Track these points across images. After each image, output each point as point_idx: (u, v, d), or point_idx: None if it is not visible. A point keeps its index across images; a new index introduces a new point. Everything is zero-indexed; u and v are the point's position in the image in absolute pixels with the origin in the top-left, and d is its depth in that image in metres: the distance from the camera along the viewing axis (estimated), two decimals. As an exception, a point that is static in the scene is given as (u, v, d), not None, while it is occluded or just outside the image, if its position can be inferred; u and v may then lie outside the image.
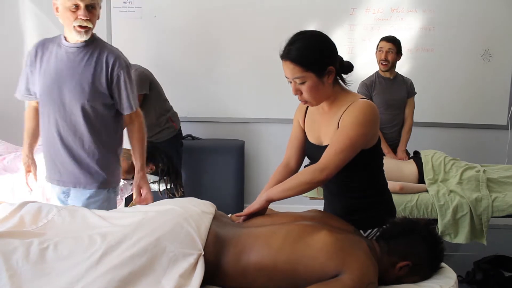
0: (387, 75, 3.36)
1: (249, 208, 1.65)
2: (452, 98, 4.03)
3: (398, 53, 3.30)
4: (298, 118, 1.83)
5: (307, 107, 1.80)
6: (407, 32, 3.89)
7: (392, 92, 3.36)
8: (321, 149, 1.68)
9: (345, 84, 1.71)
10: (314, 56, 1.57)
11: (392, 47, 3.26)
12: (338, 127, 1.63)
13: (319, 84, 1.59)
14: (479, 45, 3.94)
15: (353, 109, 1.61)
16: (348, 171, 1.63)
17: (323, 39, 1.62)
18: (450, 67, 3.97)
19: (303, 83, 1.58)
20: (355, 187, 1.73)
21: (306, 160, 1.90)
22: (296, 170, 1.85)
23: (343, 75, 1.70)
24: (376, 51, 3.34)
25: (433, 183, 2.89)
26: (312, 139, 1.77)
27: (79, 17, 2.00)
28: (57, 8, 2.04)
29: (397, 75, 3.42)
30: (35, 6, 4.00)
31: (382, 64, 3.31)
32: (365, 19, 3.93)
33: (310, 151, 1.79)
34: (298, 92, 1.61)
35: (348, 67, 1.68)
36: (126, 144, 3.28)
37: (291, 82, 1.61)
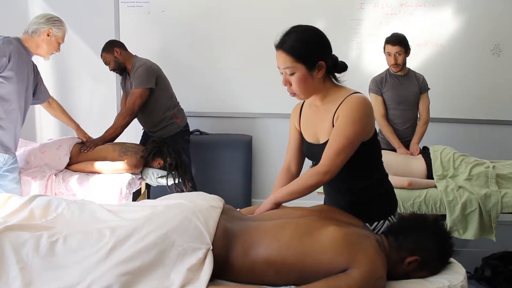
0: (399, 72, 3.33)
1: (260, 210, 1.69)
2: (462, 93, 3.99)
3: (406, 51, 3.25)
4: (294, 121, 1.86)
5: (301, 108, 1.84)
6: (416, 27, 3.86)
7: (403, 88, 3.33)
8: (318, 147, 1.71)
9: (337, 82, 1.72)
10: (306, 49, 1.60)
11: (399, 49, 3.20)
12: (332, 124, 1.65)
13: (308, 77, 1.62)
14: (489, 40, 3.90)
15: (347, 106, 1.62)
16: (348, 164, 1.64)
17: (317, 34, 1.65)
18: (460, 62, 3.94)
19: (292, 74, 1.62)
20: (355, 180, 1.74)
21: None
22: (297, 173, 1.89)
23: (337, 74, 1.72)
24: (384, 52, 3.29)
25: (442, 179, 2.88)
26: (309, 138, 1.79)
27: None
28: None
29: (409, 71, 3.38)
30: (45, 2, 4.02)
31: (393, 67, 3.28)
32: (374, 14, 3.91)
33: (309, 150, 1.81)
34: (287, 83, 1.65)
35: (342, 67, 1.70)
36: (133, 139, 3.32)
37: (282, 73, 1.65)
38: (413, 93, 3.37)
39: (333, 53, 1.67)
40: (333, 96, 1.68)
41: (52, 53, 2.73)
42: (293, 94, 1.68)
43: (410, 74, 3.38)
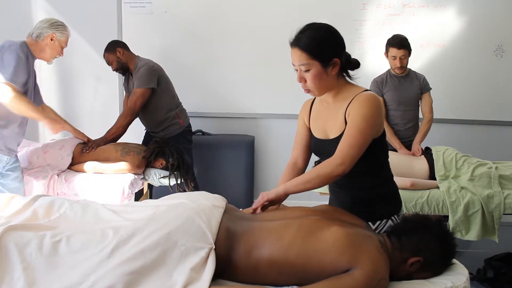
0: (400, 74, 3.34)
1: (264, 196, 1.63)
2: (464, 94, 3.99)
3: (409, 53, 3.25)
4: (303, 116, 1.87)
5: (311, 104, 1.85)
6: (419, 28, 3.86)
7: (403, 89, 3.33)
8: (327, 142, 1.72)
9: (351, 80, 1.75)
10: (321, 46, 1.63)
11: (404, 53, 3.21)
12: (344, 120, 1.67)
13: (323, 73, 1.64)
14: (491, 41, 3.90)
15: (359, 102, 1.65)
16: (359, 161, 1.64)
17: (332, 32, 1.68)
18: (462, 63, 3.93)
19: (307, 71, 1.64)
20: (362, 178, 1.75)
21: (314, 157, 1.92)
22: (303, 168, 1.89)
23: (350, 71, 1.74)
24: (387, 55, 3.28)
25: (444, 180, 2.87)
26: (318, 134, 1.80)
27: None
28: None
29: (410, 72, 3.38)
30: (48, 3, 4.02)
31: (398, 70, 3.27)
32: (376, 14, 3.90)
33: (317, 146, 1.81)
34: (302, 79, 1.67)
35: (355, 64, 1.72)
36: (135, 140, 3.33)
37: (297, 70, 1.67)
38: (414, 94, 3.37)
39: None
40: (345, 94, 1.71)
41: (55, 57, 2.76)
42: (308, 91, 1.70)
43: (410, 75, 3.38)
